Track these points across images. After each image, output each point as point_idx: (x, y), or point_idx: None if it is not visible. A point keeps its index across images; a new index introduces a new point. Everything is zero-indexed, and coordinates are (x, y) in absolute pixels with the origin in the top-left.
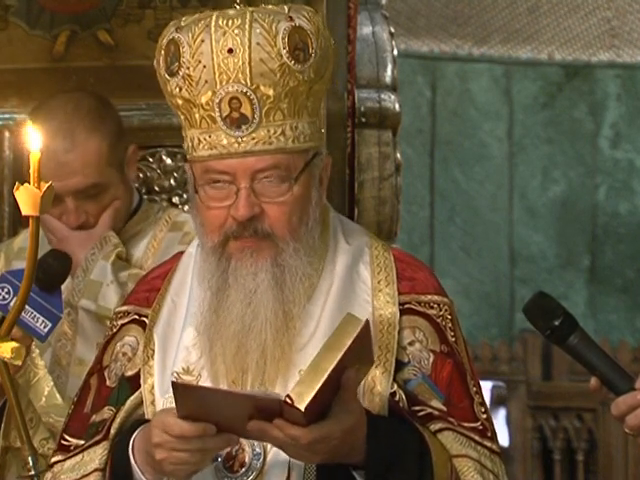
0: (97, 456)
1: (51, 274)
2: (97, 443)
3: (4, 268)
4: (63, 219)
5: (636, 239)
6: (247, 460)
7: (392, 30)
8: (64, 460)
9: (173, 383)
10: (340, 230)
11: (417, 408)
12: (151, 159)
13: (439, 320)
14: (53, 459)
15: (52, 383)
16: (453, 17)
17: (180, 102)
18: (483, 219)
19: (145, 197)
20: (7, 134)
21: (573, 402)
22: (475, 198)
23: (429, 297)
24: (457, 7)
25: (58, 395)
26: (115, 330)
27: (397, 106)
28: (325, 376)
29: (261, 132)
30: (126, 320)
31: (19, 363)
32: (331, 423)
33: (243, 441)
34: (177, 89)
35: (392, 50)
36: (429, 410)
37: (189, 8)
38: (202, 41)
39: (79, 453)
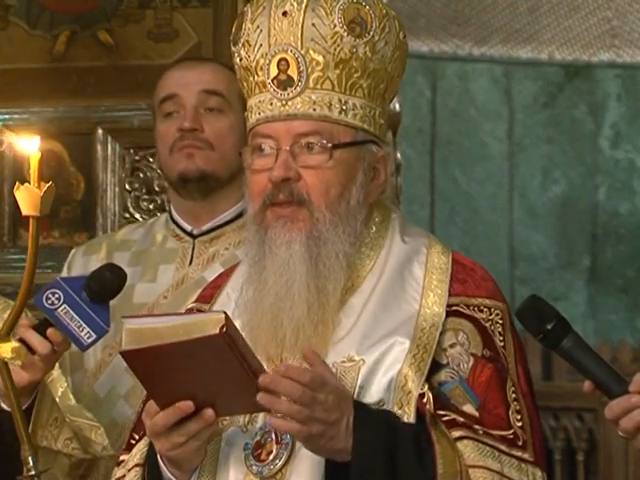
0: (139, 451)
1: (105, 287)
2: (143, 436)
3: (105, 259)
4: (176, 124)
5: (636, 239)
6: (275, 449)
7: None
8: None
9: (120, 353)
10: (398, 230)
11: (442, 412)
12: (151, 159)
13: (487, 324)
14: (120, 458)
15: (66, 384)
16: (453, 17)
17: (242, 73)
18: (483, 219)
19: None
20: (7, 134)
21: (573, 402)
22: (475, 198)
23: (479, 300)
24: (457, 7)
25: (72, 396)
26: None
27: (397, 106)
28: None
29: (306, 97)
30: None
31: (19, 363)
32: (324, 366)
33: (272, 430)
34: (238, 59)
35: None
36: (453, 416)
37: (189, 8)
38: (263, 8)
39: (132, 449)
